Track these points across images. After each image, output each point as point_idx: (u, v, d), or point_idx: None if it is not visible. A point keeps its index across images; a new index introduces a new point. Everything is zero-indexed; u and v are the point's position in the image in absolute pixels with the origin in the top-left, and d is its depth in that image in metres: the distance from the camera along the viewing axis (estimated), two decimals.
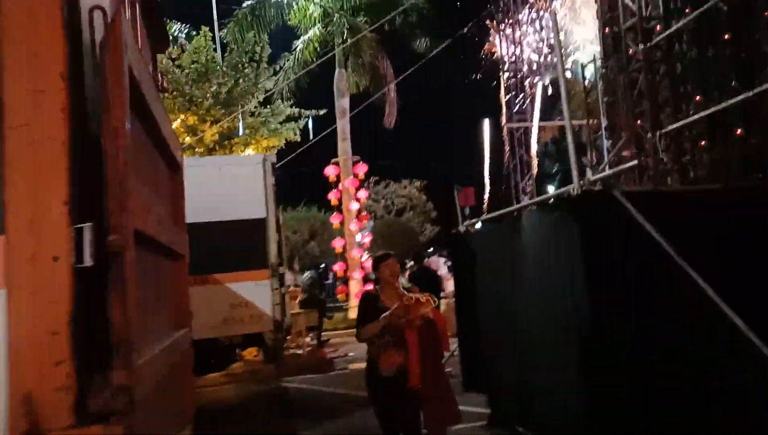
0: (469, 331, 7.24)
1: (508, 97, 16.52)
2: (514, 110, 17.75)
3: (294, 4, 19.44)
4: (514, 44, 17.56)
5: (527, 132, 15.89)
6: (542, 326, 5.05)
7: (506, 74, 17.64)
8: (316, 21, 19.47)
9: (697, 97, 8.64)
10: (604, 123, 10.23)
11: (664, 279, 4.33)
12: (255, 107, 16.81)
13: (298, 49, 19.67)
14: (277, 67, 16.99)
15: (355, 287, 17.65)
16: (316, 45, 19.79)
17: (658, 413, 4.20)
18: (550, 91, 19.05)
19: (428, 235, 27.53)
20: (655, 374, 4.24)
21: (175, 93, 14.47)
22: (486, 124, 20.64)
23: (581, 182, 4.51)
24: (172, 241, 3.50)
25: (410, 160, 32.40)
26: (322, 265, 27.45)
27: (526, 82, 17.34)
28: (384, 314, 4.03)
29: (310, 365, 11.12)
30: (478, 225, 7.55)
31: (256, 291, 8.56)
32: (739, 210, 4.64)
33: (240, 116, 15.36)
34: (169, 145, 3.59)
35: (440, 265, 23.83)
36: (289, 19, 19.66)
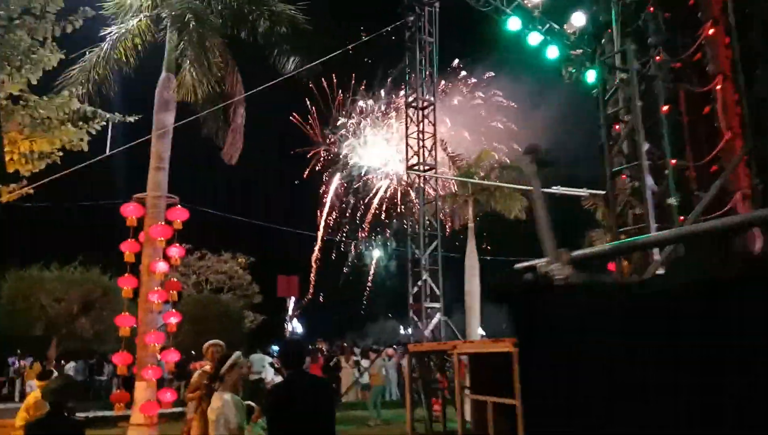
0: None
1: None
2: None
3: None
4: None
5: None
6: None
7: None
8: (146, 9, 14.00)
9: None
10: (646, 160, 6.13)
11: None
12: (21, 90, 10.55)
13: (109, 40, 13.91)
14: (69, 30, 10.90)
15: (143, 394, 11.22)
16: (138, 41, 14.20)
17: None
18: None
19: (249, 325, 21.54)
20: None
21: None
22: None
23: None
24: None
25: (236, 230, 26.50)
26: (97, 356, 19.90)
27: None
28: None
29: None
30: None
31: None
32: None
33: None
34: None
35: (266, 365, 18.06)
36: (102, 5, 13.95)
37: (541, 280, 2.66)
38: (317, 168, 38.71)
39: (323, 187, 38.60)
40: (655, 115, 6.47)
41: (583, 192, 12.98)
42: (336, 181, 38.96)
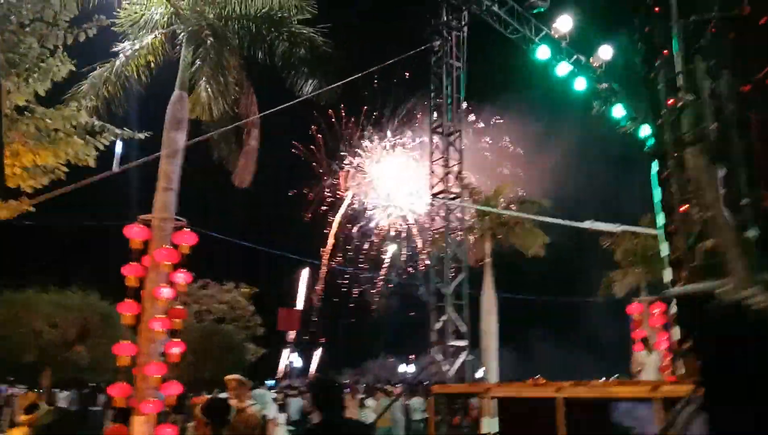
0: None
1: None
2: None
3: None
4: None
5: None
6: None
7: None
8: (161, 26, 13.60)
9: None
10: (721, 188, 5.51)
11: None
12: (27, 101, 10.00)
13: (121, 56, 13.47)
14: (82, 38, 10.40)
15: (141, 429, 10.39)
16: (151, 58, 13.78)
17: None
18: None
19: (250, 358, 20.66)
20: None
21: None
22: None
23: None
24: None
25: (241, 259, 25.78)
26: (91, 385, 18.99)
27: None
28: None
29: None
30: None
31: None
32: None
33: None
34: None
35: (269, 402, 17.13)
36: (115, 22, 13.51)
37: (731, 309, 2.06)
38: (322, 207, 38.01)
39: (327, 228, 37.85)
40: (725, 141, 5.89)
41: (617, 228, 12.35)
42: (339, 217, 38.29)
